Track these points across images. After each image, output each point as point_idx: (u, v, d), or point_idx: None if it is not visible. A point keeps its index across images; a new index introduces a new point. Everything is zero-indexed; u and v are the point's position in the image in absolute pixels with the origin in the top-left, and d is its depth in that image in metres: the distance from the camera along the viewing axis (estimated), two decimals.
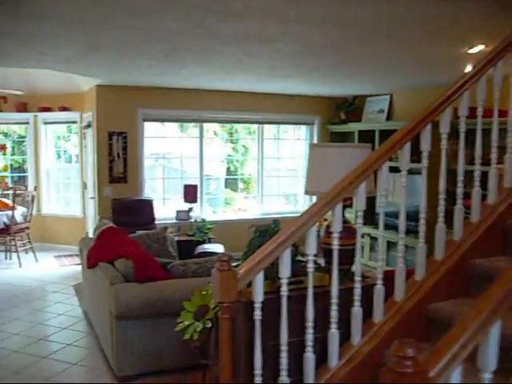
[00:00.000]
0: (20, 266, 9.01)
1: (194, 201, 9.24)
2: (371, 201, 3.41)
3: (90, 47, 5.72)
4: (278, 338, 3.07)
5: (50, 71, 8.49)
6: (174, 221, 9.13)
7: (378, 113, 9.37)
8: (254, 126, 10.77)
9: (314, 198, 10.22)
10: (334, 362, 3.21)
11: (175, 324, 4.77)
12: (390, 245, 7.91)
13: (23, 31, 4.96)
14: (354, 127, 9.47)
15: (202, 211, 9.78)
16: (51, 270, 9.00)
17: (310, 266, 3.03)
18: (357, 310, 3.24)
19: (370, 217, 6.45)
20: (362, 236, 3.11)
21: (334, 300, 3.14)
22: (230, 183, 11.36)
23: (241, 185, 11.83)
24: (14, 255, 9.27)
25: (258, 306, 2.88)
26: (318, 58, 6.29)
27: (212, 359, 3.45)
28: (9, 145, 10.86)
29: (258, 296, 2.86)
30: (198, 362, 4.79)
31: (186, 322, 3.29)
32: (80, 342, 5.81)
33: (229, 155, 11.26)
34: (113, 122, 8.85)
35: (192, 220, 9.19)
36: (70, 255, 9.79)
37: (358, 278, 3.22)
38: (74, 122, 10.26)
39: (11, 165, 10.97)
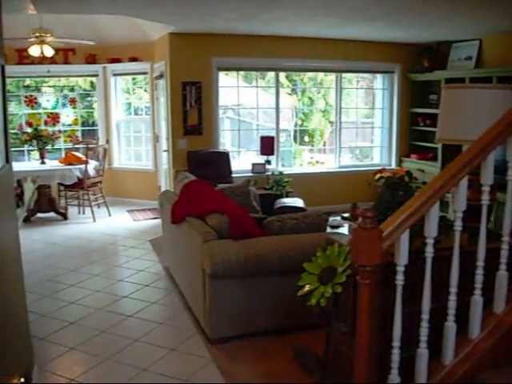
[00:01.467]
0: (94, 221, 8.87)
1: (271, 153, 8.85)
2: None
3: None
4: (412, 304, 2.72)
5: (118, 20, 8.19)
6: (250, 174, 8.74)
7: (465, 60, 8.71)
8: (321, 76, 10.34)
9: (394, 151, 9.85)
10: (476, 332, 2.84)
11: (273, 283, 4.51)
12: None
13: None
14: (439, 75, 8.82)
15: (278, 164, 9.38)
16: (125, 224, 8.81)
17: (458, 225, 2.63)
18: (503, 273, 2.84)
19: None
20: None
21: (480, 263, 2.76)
22: (295, 136, 10.95)
23: (306, 138, 11.46)
24: (87, 210, 9.15)
25: (401, 269, 2.51)
26: None
27: (332, 326, 3.12)
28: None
29: (403, 258, 2.49)
30: (294, 324, 4.57)
31: (310, 286, 2.93)
32: (165, 300, 5.58)
33: (299, 107, 10.84)
34: (186, 71, 8.45)
35: (269, 173, 8.83)
36: (143, 209, 9.60)
37: (505, 238, 2.81)
38: (144, 73, 9.94)
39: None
